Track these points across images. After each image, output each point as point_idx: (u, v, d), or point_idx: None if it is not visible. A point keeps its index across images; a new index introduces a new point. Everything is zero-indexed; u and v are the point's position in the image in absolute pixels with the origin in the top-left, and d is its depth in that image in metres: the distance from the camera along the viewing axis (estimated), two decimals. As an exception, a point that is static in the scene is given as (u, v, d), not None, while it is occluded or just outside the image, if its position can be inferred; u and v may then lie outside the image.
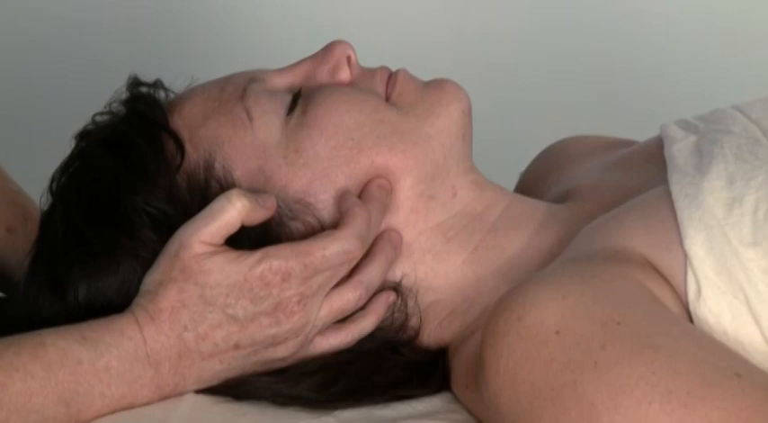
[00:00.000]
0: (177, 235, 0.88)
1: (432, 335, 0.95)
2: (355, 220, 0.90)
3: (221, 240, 0.88)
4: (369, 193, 0.93)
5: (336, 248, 0.88)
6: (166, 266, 0.87)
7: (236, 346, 0.88)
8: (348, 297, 0.90)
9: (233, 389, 0.92)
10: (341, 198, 0.92)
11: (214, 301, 0.86)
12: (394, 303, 0.94)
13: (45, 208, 0.96)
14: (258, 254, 0.87)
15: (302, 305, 0.88)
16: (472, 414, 0.91)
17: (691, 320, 0.83)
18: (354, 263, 0.91)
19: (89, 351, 0.85)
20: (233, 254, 0.87)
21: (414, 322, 0.95)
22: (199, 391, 0.92)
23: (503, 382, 0.80)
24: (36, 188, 0.98)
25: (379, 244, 0.93)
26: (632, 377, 0.76)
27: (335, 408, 0.92)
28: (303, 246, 0.88)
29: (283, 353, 0.89)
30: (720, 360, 0.78)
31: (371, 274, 0.92)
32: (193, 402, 0.92)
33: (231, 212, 0.87)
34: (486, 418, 0.88)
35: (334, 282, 0.90)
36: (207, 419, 0.91)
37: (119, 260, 0.90)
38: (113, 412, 0.87)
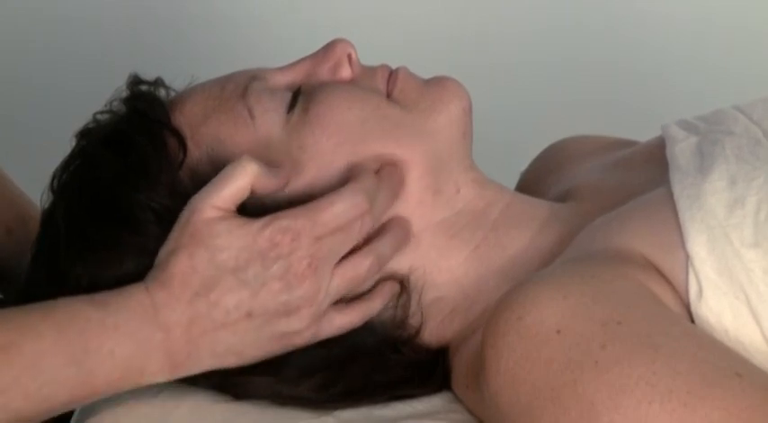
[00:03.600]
0: (189, 203, 0.87)
1: (433, 333, 0.95)
2: (363, 177, 0.90)
3: (233, 206, 0.87)
4: (379, 175, 0.93)
5: (345, 203, 0.88)
6: (177, 234, 0.87)
7: (249, 315, 0.86)
8: (360, 264, 0.90)
9: (233, 389, 0.92)
10: (351, 168, 0.92)
11: (224, 264, 0.86)
12: (398, 297, 0.93)
13: (46, 206, 0.95)
14: (267, 217, 0.87)
15: (313, 269, 0.87)
16: (472, 414, 0.91)
17: (692, 321, 0.83)
18: (364, 230, 0.90)
19: (98, 310, 0.84)
20: (243, 219, 0.87)
21: (416, 319, 0.95)
22: (198, 392, 0.92)
23: (503, 381, 0.80)
24: (36, 188, 0.98)
25: (390, 224, 0.93)
26: (632, 377, 0.76)
27: (335, 408, 0.92)
28: (312, 204, 0.88)
29: (297, 324, 0.88)
30: (721, 360, 0.78)
31: (382, 246, 0.91)
32: (193, 402, 0.92)
33: (242, 176, 0.87)
34: (486, 418, 0.88)
35: (345, 249, 0.89)
36: (207, 419, 0.91)
37: (122, 256, 0.90)
38: (125, 379, 0.85)
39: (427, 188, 0.95)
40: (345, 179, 0.91)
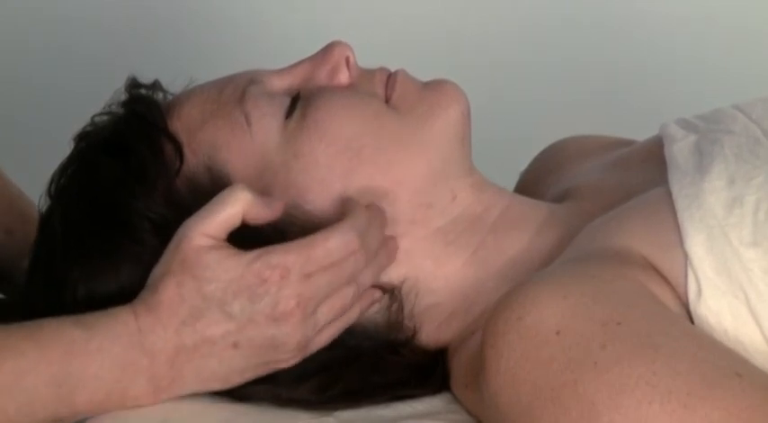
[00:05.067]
0: (180, 227, 0.87)
1: (431, 336, 0.95)
2: (355, 215, 0.89)
3: (223, 234, 0.87)
4: (369, 210, 0.92)
5: (336, 241, 0.87)
6: (169, 258, 0.86)
7: (235, 346, 0.86)
8: (346, 294, 0.89)
9: (231, 393, 0.92)
10: (343, 202, 0.92)
11: (212, 296, 0.85)
12: (389, 305, 0.93)
13: (43, 210, 0.95)
14: (258, 250, 0.86)
15: (302, 308, 0.86)
16: (472, 414, 0.91)
17: (691, 320, 0.83)
18: (356, 270, 0.89)
19: (83, 331, 0.84)
20: (233, 250, 0.86)
21: (412, 323, 0.94)
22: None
23: (503, 381, 0.80)
24: (35, 189, 0.98)
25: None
26: (632, 377, 0.76)
27: (335, 408, 0.92)
28: (303, 240, 0.87)
29: (283, 355, 0.88)
30: (720, 360, 0.78)
31: (363, 277, 0.90)
32: (193, 402, 0.92)
33: (234, 205, 0.87)
34: (486, 418, 0.88)
35: (333, 289, 0.88)
36: (207, 419, 0.91)
37: (118, 263, 0.90)
38: (108, 401, 0.85)
39: (419, 205, 0.95)
40: (337, 204, 0.91)
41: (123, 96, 0.97)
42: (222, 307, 0.85)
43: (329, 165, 0.93)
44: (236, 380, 0.88)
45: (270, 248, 0.86)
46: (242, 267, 0.85)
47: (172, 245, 0.87)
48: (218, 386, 0.89)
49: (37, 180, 0.98)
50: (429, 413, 0.92)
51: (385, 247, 0.93)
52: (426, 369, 0.94)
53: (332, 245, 0.87)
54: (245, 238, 0.87)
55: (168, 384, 0.86)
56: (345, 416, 0.91)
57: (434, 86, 0.98)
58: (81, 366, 0.83)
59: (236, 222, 0.87)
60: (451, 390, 0.94)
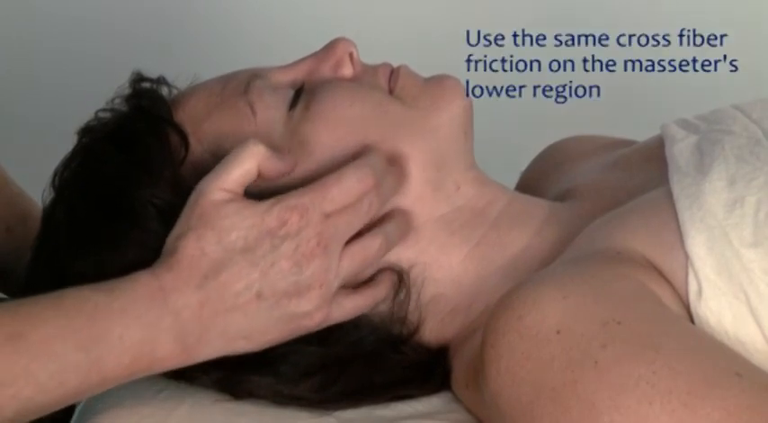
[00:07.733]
0: (197, 186, 0.87)
1: (433, 332, 0.95)
2: (369, 154, 0.90)
3: (239, 188, 0.87)
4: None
5: (352, 178, 0.88)
6: (185, 218, 0.86)
7: (259, 296, 0.86)
8: (369, 245, 0.90)
9: (233, 388, 0.92)
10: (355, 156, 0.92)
11: (233, 246, 0.85)
12: (397, 292, 0.93)
13: (47, 202, 0.95)
14: (274, 197, 0.87)
15: (322, 247, 0.86)
16: (472, 414, 0.91)
17: (692, 321, 0.83)
18: (372, 210, 0.90)
19: (104, 296, 0.83)
20: (250, 201, 0.86)
21: (415, 316, 0.95)
22: (198, 392, 0.92)
23: (503, 381, 0.80)
24: (36, 188, 0.98)
25: (392, 213, 0.93)
26: (633, 377, 0.76)
27: (336, 408, 0.92)
28: (319, 181, 0.88)
29: (307, 306, 0.87)
30: (721, 360, 0.78)
31: (389, 228, 0.91)
32: (193, 402, 0.92)
33: (249, 159, 0.87)
34: (486, 418, 0.88)
35: (354, 228, 0.89)
36: (206, 419, 0.91)
37: (123, 252, 0.90)
38: (136, 365, 0.83)
39: (428, 183, 0.95)
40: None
41: (127, 91, 0.97)
42: (245, 254, 0.85)
43: (335, 147, 0.93)
44: (262, 338, 0.87)
45: (286, 194, 0.87)
46: (261, 213, 0.86)
47: (189, 204, 0.87)
48: (244, 345, 0.87)
49: (37, 180, 0.98)
50: (429, 413, 0.92)
51: (402, 215, 0.94)
52: (427, 368, 0.94)
53: (347, 182, 0.88)
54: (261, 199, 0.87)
55: (195, 342, 0.85)
56: (346, 416, 0.92)
57: (437, 81, 0.98)
58: (106, 329, 0.82)
59: (252, 176, 0.88)
60: (452, 389, 0.94)
